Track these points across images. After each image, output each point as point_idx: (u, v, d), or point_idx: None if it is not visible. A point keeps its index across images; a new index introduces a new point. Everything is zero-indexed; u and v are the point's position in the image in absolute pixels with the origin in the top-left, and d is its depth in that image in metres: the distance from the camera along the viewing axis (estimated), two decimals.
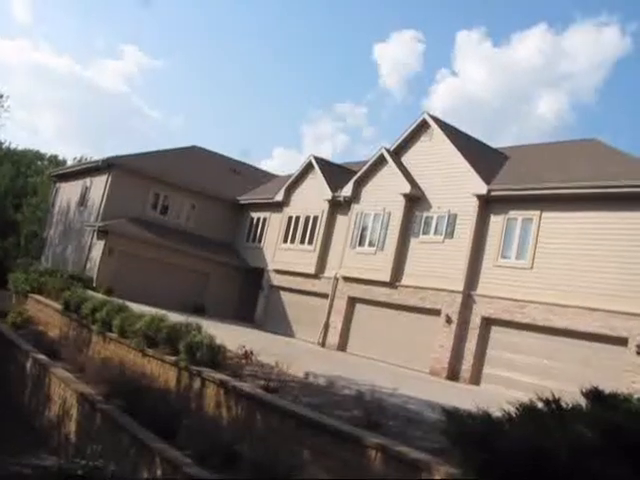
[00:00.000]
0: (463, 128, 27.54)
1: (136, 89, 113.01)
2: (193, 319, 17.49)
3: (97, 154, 61.42)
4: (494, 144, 29.38)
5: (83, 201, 36.86)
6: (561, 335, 20.02)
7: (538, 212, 21.56)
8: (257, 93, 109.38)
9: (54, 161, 62.03)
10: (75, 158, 59.41)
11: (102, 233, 32.33)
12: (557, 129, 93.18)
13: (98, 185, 34.98)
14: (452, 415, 7.36)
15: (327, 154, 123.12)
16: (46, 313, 25.07)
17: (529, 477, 5.75)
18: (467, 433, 6.67)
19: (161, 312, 17.98)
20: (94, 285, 30.15)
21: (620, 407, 6.60)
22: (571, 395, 8.62)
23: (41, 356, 18.58)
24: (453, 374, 22.33)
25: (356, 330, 27.36)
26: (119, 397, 13.59)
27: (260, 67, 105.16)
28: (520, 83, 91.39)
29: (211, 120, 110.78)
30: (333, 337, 27.82)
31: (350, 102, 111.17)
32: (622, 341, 18.33)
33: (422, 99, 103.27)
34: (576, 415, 6.48)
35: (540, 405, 7.76)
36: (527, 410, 7.39)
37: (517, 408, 7.51)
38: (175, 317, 17.63)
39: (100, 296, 23.82)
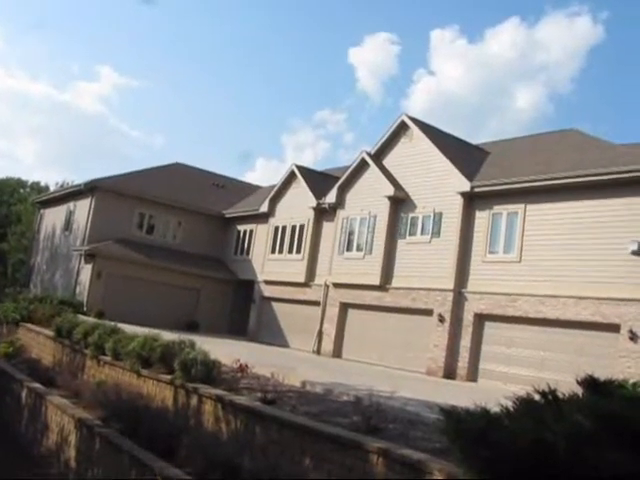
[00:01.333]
0: (443, 126, 27.77)
1: (114, 110, 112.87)
2: (186, 336, 17.41)
3: (79, 178, 61.41)
4: (475, 140, 29.53)
5: (68, 226, 36.73)
6: (554, 326, 20.11)
7: (522, 205, 21.66)
8: (236, 106, 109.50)
9: (37, 188, 61.85)
10: (57, 183, 59.35)
11: (89, 256, 32.21)
12: (536, 121, 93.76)
13: (82, 209, 34.88)
14: (450, 414, 7.36)
15: (309, 162, 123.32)
16: (38, 341, 24.91)
17: (530, 470, 5.76)
18: (466, 431, 6.68)
19: (154, 332, 17.91)
20: (85, 309, 30.02)
21: (615, 393, 6.62)
22: (567, 385, 8.65)
23: (36, 384, 18.47)
24: (450, 372, 22.36)
25: (350, 336, 27.36)
26: (117, 420, 13.53)
27: (237, 80, 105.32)
28: (497, 78, 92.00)
29: (192, 136, 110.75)
30: (327, 344, 27.81)
31: (329, 109, 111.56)
32: (614, 328, 18.43)
33: (401, 100, 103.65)
34: (573, 405, 6.50)
35: (537, 397, 7.78)
36: (524, 403, 7.40)
37: (514, 402, 7.52)
38: (168, 336, 17.55)
39: (91, 320, 23.71)
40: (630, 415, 5.33)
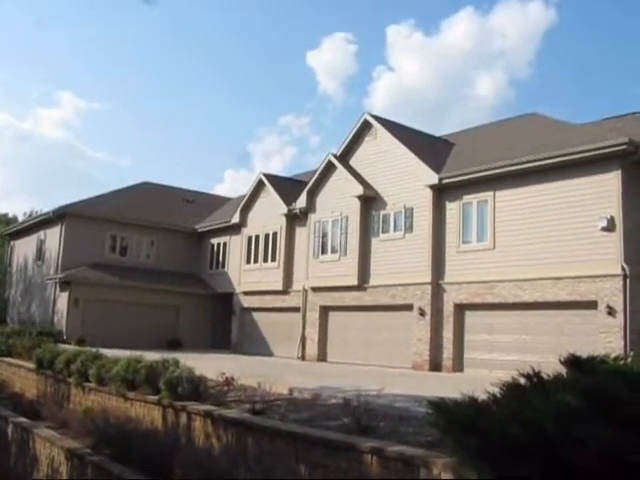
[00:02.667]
0: (407, 121, 28.06)
1: (78, 134, 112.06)
2: (169, 355, 17.31)
3: (47, 205, 60.69)
4: (439, 132, 29.78)
5: (40, 255, 36.42)
6: (533, 309, 20.31)
7: (491, 192, 21.84)
8: (199, 120, 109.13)
9: (4, 220, 61.14)
10: (25, 213, 58.77)
11: (64, 284, 31.96)
12: (498, 107, 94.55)
13: (53, 237, 34.61)
14: (439, 406, 7.41)
15: (277, 169, 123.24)
16: (20, 374, 24.60)
17: (522, 453, 5.81)
18: (455, 421, 6.72)
19: (136, 353, 17.77)
20: (65, 337, 29.78)
21: (598, 369, 6.71)
22: (552, 366, 8.73)
23: (21, 419, 18.24)
24: (436, 365, 22.47)
25: (333, 338, 27.38)
26: (107, 445, 13.42)
27: (199, 93, 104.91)
28: (456, 68, 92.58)
29: (159, 154, 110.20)
30: (311, 349, 27.81)
31: (292, 114, 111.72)
32: (592, 304, 18.64)
33: (363, 99, 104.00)
34: (557, 384, 6.57)
35: (522, 381, 7.85)
36: (510, 388, 7.46)
37: (500, 388, 7.58)
38: (151, 356, 17.44)
39: (72, 348, 23.48)
40: (612, 388, 5.41)
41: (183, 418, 13.70)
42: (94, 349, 20.73)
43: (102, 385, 17.48)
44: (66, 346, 24.89)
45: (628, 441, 4.81)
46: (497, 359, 20.66)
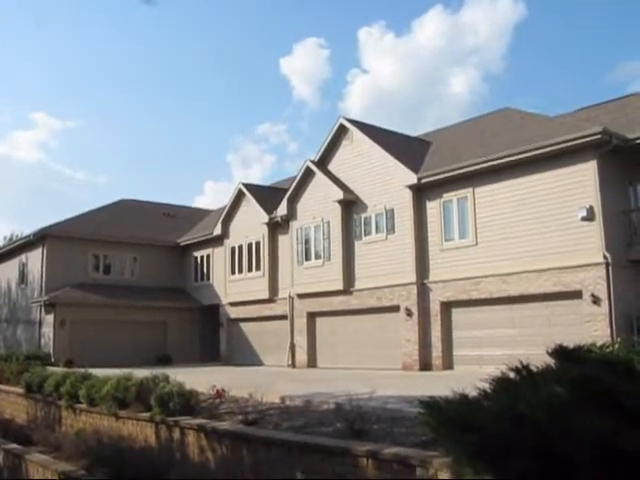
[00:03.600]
0: (383, 122, 28.24)
1: (54, 155, 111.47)
2: (159, 371, 17.21)
3: (28, 228, 60.25)
4: (417, 131, 30.00)
5: (23, 278, 36.18)
6: (519, 302, 20.43)
7: (470, 189, 21.95)
8: (176, 133, 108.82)
9: None
10: (6, 237, 58.32)
11: (49, 306, 31.77)
12: (474, 104, 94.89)
13: (35, 259, 34.39)
14: (430, 405, 7.42)
15: (257, 178, 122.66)
16: (9, 400, 24.38)
17: (517, 447, 5.83)
18: (447, 419, 6.74)
19: (126, 371, 17.68)
20: (53, 360, 29.57)
21: (585, 358, 6.76)
22: (540, 358, 8.78)
23: (12, 445, 18.03)
24: (426, 364, 22.52)
25: (322, 344, 27.37)
26: (101, 466, 13.33)
27: (173, 105, 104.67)
28: (430, 67, 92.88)
29: (137, 170, 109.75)
30: (301, 356, 27.78)
31: (269, 122, 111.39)
32: (577, 294, 18.78)
33: (338, 103, 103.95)
34: (546, 376, 6.60)
35: (512, 375, 7.89)
36: (500, 383, 7.50)
37: (490, 383, 7.62)
38: (141, 373, 17.34)
39: (61, 370, 23.31)
40: (599, 377, 5.45)
41: (176, 433, 13.65)
42: (83, 370, 20.60)
43: (93, 405, 17.38)
44: (55, 368, 24.70)
45: (618, 429, 4.84)
46: (486, 354, 20.73)
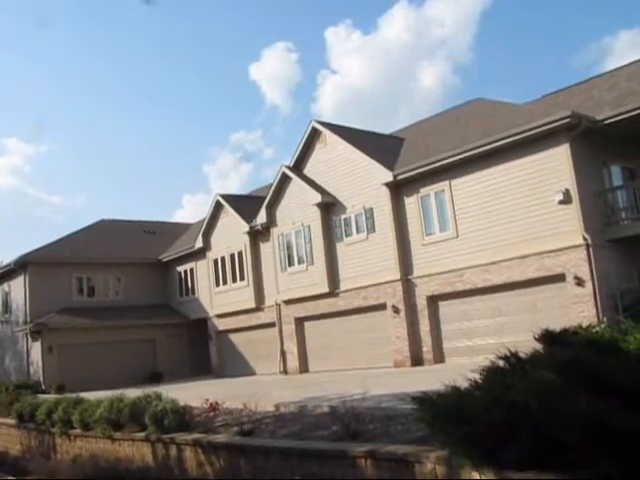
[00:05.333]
0: (357, 121, 28.37)
1: (29, 180, 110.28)
2: (151, 389, 17.20)
3: (7, 256, 59.68)
4: (390, 128, 30.06)
5: (7, 307, 35.90)
6: (504, 290, 20.51)
7: (447, 182, 22.03)
8: (151, 149, 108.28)
9: None
10: None
11: (36, 333, 31.57)
12: (445, 97, 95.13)
13: (17, 287, 34.16)
14: (423, 401, 7.45)
15: (235, 187, 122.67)
16: (1, 432, 24.21)
17: (509, 434, 5.87)
18: (440, 413, 6.77)
19: (118, 392, 17.61)
20: (43, 387, 29.41)
21: (571, 341, 6.82)
22: (529, 343, 8.84)
23: (8, 477, 17.94)
24: (417, 360, 22.56)
25: (313, 348, 27.35)
26: None
27: (146, 123, 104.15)
28: (399, 63, 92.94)
29: (115, 189, 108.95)
30: (292, 362, 27.75)
31: (243, 130, 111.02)
32: (560, 277, 18.90)
33: (311, 106, 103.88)
34: (535, 362, 6.66)
35: (502, 363, 7.94)
36: (490, 372, 7.55)
37: (481, 373, 7.67)
38: (133, 392, 17.27)
39: (52, 396, 23.16)
40: (585, 359, 5.50)
41: (173, 450, 13.62)
42: (74, 395, 20.49)
43: (87, 430, 17.29)
44: (46, 396, 24.55)
45: (607, 409, 4.89)
46: (476, 345, 20.83)
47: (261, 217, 28.82)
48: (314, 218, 26.34)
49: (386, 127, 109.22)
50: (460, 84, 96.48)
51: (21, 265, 33.25)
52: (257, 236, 30.11)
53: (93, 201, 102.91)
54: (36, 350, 31.81)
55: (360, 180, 24.64)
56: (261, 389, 19.72)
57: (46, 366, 31.12)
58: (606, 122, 18.84)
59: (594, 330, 8.28)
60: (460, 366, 13.55)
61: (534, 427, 5.55)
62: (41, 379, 30.63)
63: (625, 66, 22.98)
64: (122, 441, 15.68)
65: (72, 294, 34.12)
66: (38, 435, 20.81)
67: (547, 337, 8.03)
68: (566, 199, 18.74)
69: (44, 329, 31.34)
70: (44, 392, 27.64)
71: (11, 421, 22.99)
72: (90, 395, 20.16)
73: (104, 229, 38.97)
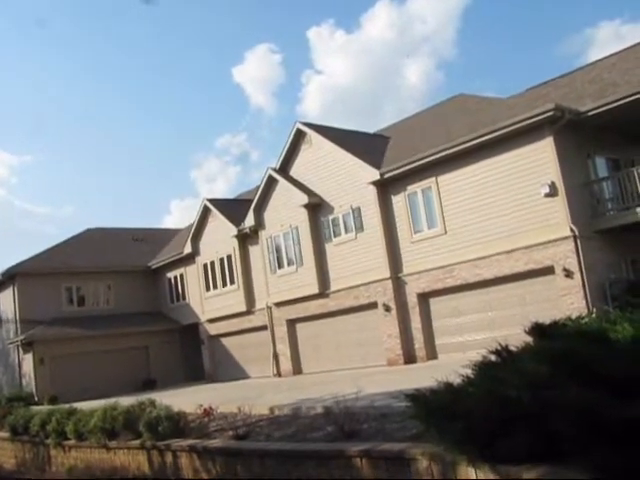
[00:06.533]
0: (342, 120, 28.43)
1: (15, 192, 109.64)
2: (145, 396, 17.17)
3: None
4: (375, 126, 30.16)
5: None
6: (494, 285, 20.57)
7: (433, 179, 22.05)
8: (136, 155, 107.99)
9: None
10: None
11: (27, 345, 31.41)
12: (430, 93, 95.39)
13: (6, 299, 33.99)
14: (416, 398, 7.48)
15: (223, 191, 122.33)
16: None
17: (503, 428, 5.89)
18: (434, 410, 6.79)
19: (111, 401, 17.57)
20: (36, 399, 29.27)
21: (561, 333, 6.85)
22: (521, 337, 8.88)
23: None
24: (410, 357, 22.59)
25: (305, 350, 27.34)
26: None
27: (132, 129, 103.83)
28: (383, 60, 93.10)
29: (103, 197, 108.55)
30: (286, 364, 27.73)
31: (229, 133, 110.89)
32: (549, 270, 18.96)
33: (296, 106, 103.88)
34: (525, 355, 6.68)
35: (493, 358, 7.98)
36: (482, 367, 7.58)
37: (473, 368, 7.70)
38: (127, 400, 17.24)
39: (45, 408, 23.07)
40: (575, 350, 5.52)
41: (169, 457, 13.60)
42: (68, 405, 20.44)
43: (82, 440, 17.24)
44: (39, 408, 24.45)
45: (597, 398, 4.92)
46: (468, 340, 20.87)
47: (249, 220, 28.79)
48: (302, 219, 26.33)
49: (372, 125, 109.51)
50: (445, 80, 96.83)
51: (9, 277, 33.10)
52: (246, 239, 30.08)
53: (81, 211, 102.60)
54: (28, 362, 31.66)
55: (347, 180, 24.64)
56: (255, 392, 19.71)
57: (38, 378, 30.98)
58: (589, 114, 18.92)
59: (583, 321, 8.32)
60: (453, 362, 13.60)
61: (527, 420, 5.57)
62: (34, 391, 30.48)
63: (606, 58, 23.09)
64: (117, 450, 15.64)
65: (62, 304, 33.98)
66: (32, 448, 20.72)
67: (537, 330, 8.07)
68: (552, 192, 18.80)
69: (35, 341, 31.19)
70: (37, 404, 27.51)
71: (4, 434, 22.88)
72: (84, 405, 20.10)
73: (92, 238, 38.80)
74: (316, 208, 26.01)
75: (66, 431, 18.04)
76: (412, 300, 22.78)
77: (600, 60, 23.37)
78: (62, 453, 18.56)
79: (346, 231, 24.87)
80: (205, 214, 32.34)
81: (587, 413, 4.78)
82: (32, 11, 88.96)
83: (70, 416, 18.48)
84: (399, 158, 23.28)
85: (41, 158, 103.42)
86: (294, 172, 27.19)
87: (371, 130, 30.82)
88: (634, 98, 18.16)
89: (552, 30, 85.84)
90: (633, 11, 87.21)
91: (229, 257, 30.93)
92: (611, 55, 22.96)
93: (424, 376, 13.08)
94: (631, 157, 21.12)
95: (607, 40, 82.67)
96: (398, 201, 23.23)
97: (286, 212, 27.08)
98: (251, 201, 29.30)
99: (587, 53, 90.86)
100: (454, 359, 19.09)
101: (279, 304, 27.93)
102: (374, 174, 23.24)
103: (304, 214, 26.18)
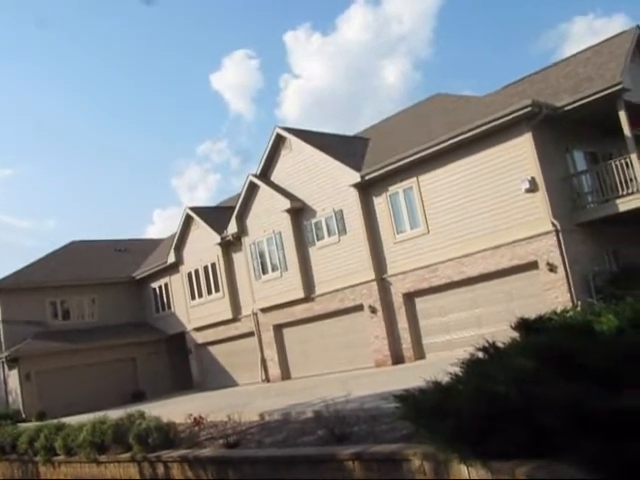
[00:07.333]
0: (322, 123, 28.48)
1: None
2: (134, 408, 17.07)
3: None
4: (355, 128, 30.20)
5: None
6: (479, 282, 20.64)
7: (414, 179, 22.10)
8: (117, 167, 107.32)
9: None
10: None
11: (12, 362, 31.15)
12: (408, 93, 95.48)
13: None
14: (405, 399, 7.48)
15: (205, 199, 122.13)
16: None
17: (492, 425, 5.90)
18: (423, 409, 6.79)
19: (100, 414, 17.46)
20: (24, 416, 29.05)
21: (546, 327, 6.88)
22: (507, 333, 8.92)
23: None
24: (397, 358, 22.61)
25: (293, 354, 27.31)
26: None
27: (111, 138, 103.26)
28: (360, 62, 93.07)
29: (86, 209, 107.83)
30: (274, 370, 27.69)
31: (209, 140, 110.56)
32: (533, 265, 19.07)
33: (275, 111, 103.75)
34: (512, 350, 6.70)
35: (481, 355, 8.00)
36: (470, 364, 7.60)
37: (461, 366, 7.72)
38: (116, 413, 17.15)
39: (33, 425, 22.85)
40: (560, 343, 5.55)
41: (160, 469, 13.53)
42: (56, 421, 20.26)
43: (71, 455, 17.10)
44: (27, 424, 24.24)
45: (584, 390, 4.93)
46: (455, 338, 20.93)
47: (232, 227, 28.73)
48: (285, 224, 26.31)
49: (351, 127, 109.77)
50: (422, 79, 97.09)
51: None
52: (229, 247, 30.02)
53: (64, 224, 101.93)
54: (13, 378, 31.40)
55: (328, 183, 24.65)
56: (244, 399, 19.65)
57: (25, 394, 30.73)
58: (565, 109, 19.07)
59: (568, 314, 8.36)
60: (441, 361, 13.64)
61: (515, 416, 5.58)
62: (21, 408, 30.24)
63: (580, 52, 23.23)
64: (108, 464, 15.54)
65: (47, 319, 33.75)
66: (21, 466, 20.51)
67: (523, 325, 8.11)
68: (532, 187, 18.90)
69: (21, 357, 30.96)
70: (25, 421, 27.30)
71: None
72: (72, 420, 19.94)
73: (75, 251, 38.58)
74: (298, 212, 26.00)
75: (55, 447, 17.88)
76: (398, 301, 22.81)
77: (574, 55, 23.51)
78: (52, 469, 18.39)
79: (329, 234, 24.87)
80: (188, 223, 32.25)
81: (574, 406, 4.79)
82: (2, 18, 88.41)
83: (59, 431, 18.32)
84: (379, 159, 23.31)
85: (21, 172, 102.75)
86: (275, 177, 27.16)
87: (351, 132, 30.90)
88: (609, 92, 18.35)
89: (528, 27, 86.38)
90: (606, 5, 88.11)
91: (213, 265, 30.85)
92: (585, 50, 23.10)
93: (412, 376, 13.09)
94: (608, 150, 21.27)
95: (581, 35, 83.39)
96: (380, 202, 23.26)
97: (269, 218, 27.05)
98: (233, 208, 29.24)
99: (562, 48, 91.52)
100: (442, 358, 19.13)
101: (265, 310, 27.89)
102: (355, 176, 23.26)
103: (287, 219, 26.16)
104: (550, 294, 18.40)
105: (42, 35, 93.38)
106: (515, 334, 8.48)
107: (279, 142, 26.88)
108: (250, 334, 29.00)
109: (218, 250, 30.31)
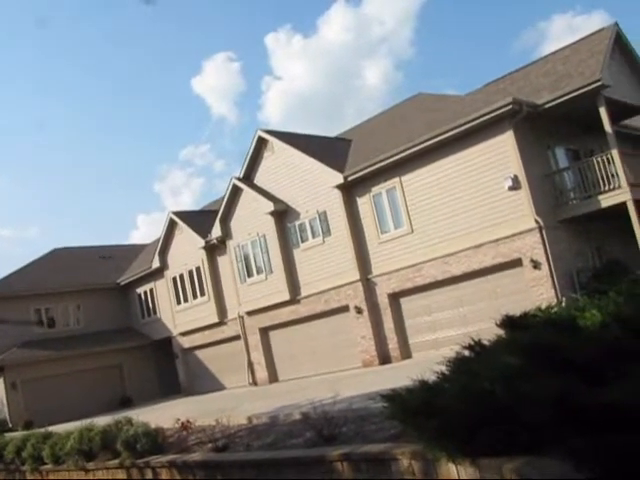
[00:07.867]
0: (305, 125, 28.47)
1: None
2: (122, 414, 17.00)
3: None
4: (337, 129, 30.17)
5: None
6: (463, 280, 20.71)
7: (397, 178, 22.15)
8: (100, 173, 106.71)
9: None
10: None
11: None
12: (390, 93, 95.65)
13: None
14: (392, 398, 7.49)
15: (189, 203, 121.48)
16: None
17: (480, 422, 5.92)
18: (410, 408, 6.80)
19: (87, 422, 17.36)
20: (10, 425, 28.83)
21: (531, 324, 6.92)
22: (492, 330, 8.95)
23: None
24: (384, 358, 22.64)
25: (280, 357, 27.28)
26: None
27: (92, 144, 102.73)
28: (342, 63, 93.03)
29: (68, 216, 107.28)
30: (261, 373, 27.65)
31: (191, 144, 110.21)
32: (517, 262, 19.16)
33: (257, 114, 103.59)
34: (498, 347, 6.74)
35: (467, 353, 8.03)
36: (456, 363, 7.63)
37: (447, 365, 7.75)
38: (103, 420, 17.07)
39: (20, 434, 22.69)
40: (544, 339, 5.58)
41: (149, 474, 13.49)
42: (43, 429, 20.14)
43: (59, 464, 17.01)
44: (13, 434, 24.07)
45: (568, 385, 4.97)
46: (441, 337, 21.00)
47: (216, 231, 28.67)
48: (269, 227, 26.28)
49: (334, 128, 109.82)
50: (404, 79, 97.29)
51: None
52: (214, 250, 29.96)
53: (47, 231, 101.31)
54: None
55: (311, 185, 24.65)
56: (232, 403, 19.62)
57: (11, 403, 30.52)
58: (546, 106, 19.20)
59: (553, 311, 8.40)
60: (427, 360, 13.68)
61: (502, 412, 5.61)
62: (7, 417, 30.03)
63: (560, 50, 23.39)
64: (96, 471, 15.47)
65: (32, 327, 33.51)
66: (8, 475, 20.34)
67: (508, 322, 8.14)
68: (515, 185, 19.00)
69: (6, 366, 30.74)
70: (11, 430, 27.10)
71: None
72: (60, 428, 19.85)
73: (58, 258, 38.33)
74: (282, 215, 25.98)
75: (42, 456, 17.77)
76: (383, 301, 22.84)
77: (554, 53, 23.66)
78: (39, 478, 18.28)
79: (313, 236, 24.87)
80: (171, 227, 32.16)
81: (560, 401, 4.82)
82: None
83: (46, 440, 18.21)
84: (362, 160, 23.34)
85: (2, 180, 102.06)
86: (258, 180, 27.14)
87: (333, 133, 30.93)
88: (589, 89, 18.48)
89: (508, 25, 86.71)
90: (585, 2, 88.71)
91: (198, 269, 30.78)
92: (564, 47, 23.26)
93: (400, 376, 13.12)
94: (590, 147, 21.43)
95: (560, 33, 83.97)
96: (363, 203, 23.29)
97: (252, 220, 27.01)
98: (217, 212, 29.16)
99: (542, 46, 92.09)
100: (428, 357, 19.18)
101: (251, 313, 27.84)
102: (338, 178, 23.28)
103: (270, 221, 26.14)
104: (535, 291, 18.50)
105: (14, 43, 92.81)
106: (500, 331, 8.52)
107: (261, 145, 26.86)
108: (236, 337, 28.95)
109: (202, 254, 30.24)
